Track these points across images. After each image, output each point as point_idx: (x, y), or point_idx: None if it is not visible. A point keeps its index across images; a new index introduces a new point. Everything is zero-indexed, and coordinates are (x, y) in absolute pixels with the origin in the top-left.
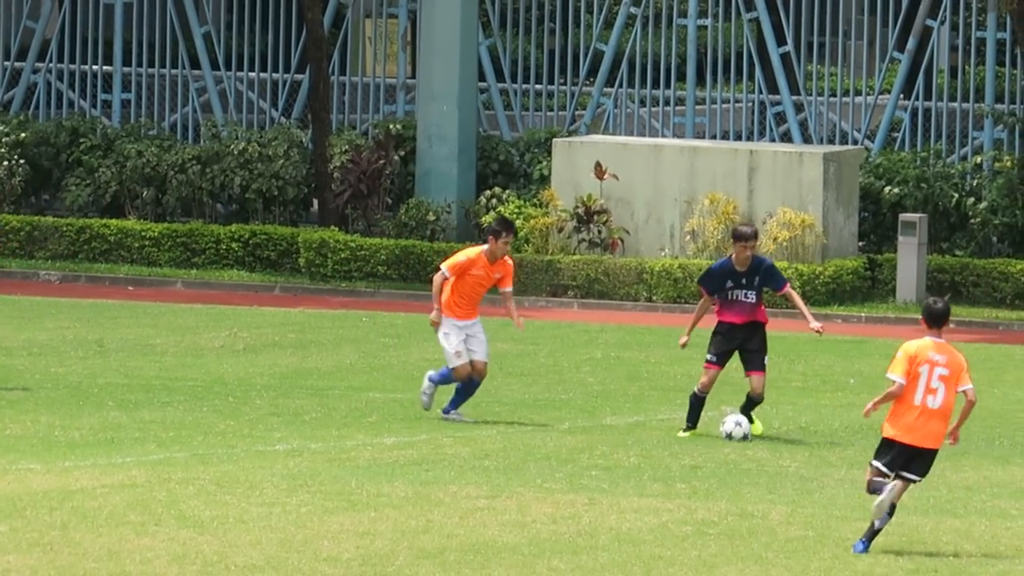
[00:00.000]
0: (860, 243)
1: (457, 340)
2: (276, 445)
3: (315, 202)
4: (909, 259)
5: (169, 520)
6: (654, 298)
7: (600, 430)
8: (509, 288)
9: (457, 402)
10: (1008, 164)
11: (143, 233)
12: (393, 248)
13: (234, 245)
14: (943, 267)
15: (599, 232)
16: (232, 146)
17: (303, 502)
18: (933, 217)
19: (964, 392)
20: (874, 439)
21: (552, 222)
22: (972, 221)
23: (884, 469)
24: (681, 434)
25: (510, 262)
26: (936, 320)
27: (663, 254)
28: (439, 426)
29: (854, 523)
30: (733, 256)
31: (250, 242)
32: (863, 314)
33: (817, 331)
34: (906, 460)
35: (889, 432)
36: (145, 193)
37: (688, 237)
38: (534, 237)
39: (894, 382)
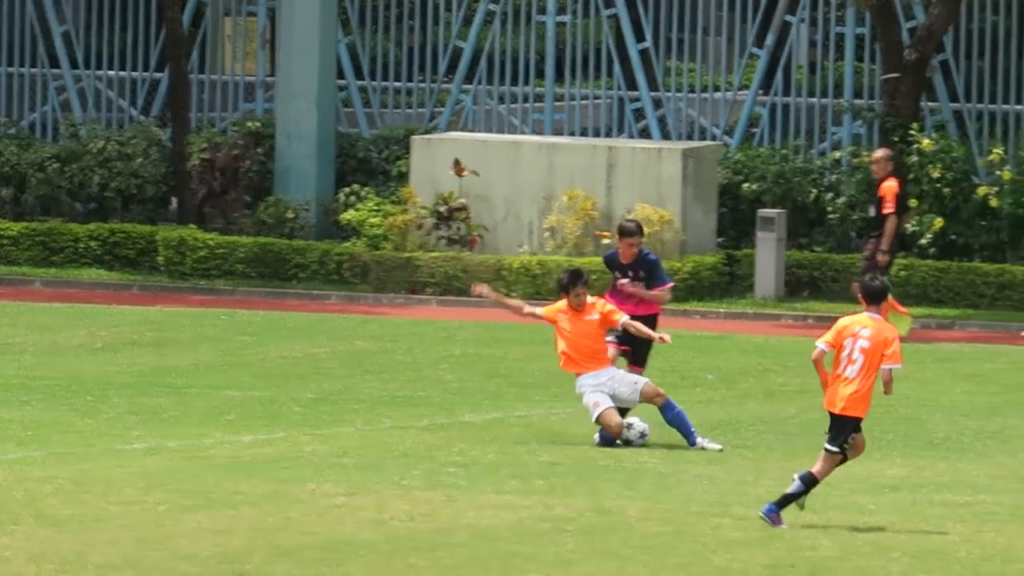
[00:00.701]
0: (719, 239)
1: (591, 393)
2: (134, 443)
3: (174, 200)
4: (768, 255)
5: (27, 519)
6: (512, 294)
7: (458, 427)
8: (622, 318)
9: (686, 432)
10: (866, 159)
11: (2, 232)
12: (252, 246)
13: (93, 244)
14: (801, 262)
15: (458, 229)
16: (91, 145)
17: (161, 500)
18: (792, 213)
19: (886, 369)
20: (732, 434)
21: (411, 219)
22: (830, 217)
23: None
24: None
25: (599, 300)
26: (873, 297)
27: (522, 251)
28: (296, 424)
29: (711, 519)
30: (620, 249)
31: (109, 240)
32: (722, 310)
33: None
34: (832, 429)
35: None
36: (4, 192)
37: (547, 234)
38: (393, 235)
39: (816, 347)
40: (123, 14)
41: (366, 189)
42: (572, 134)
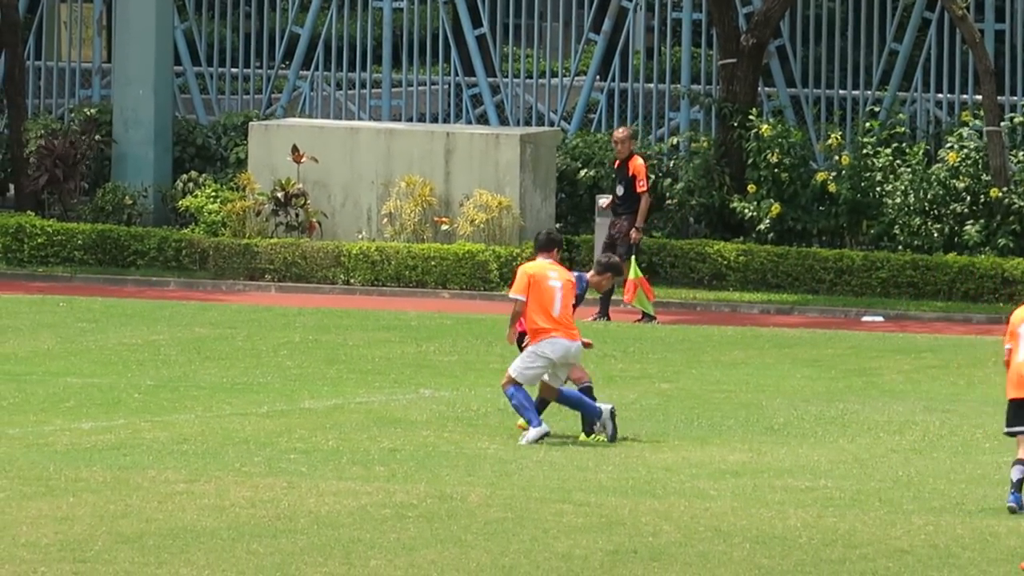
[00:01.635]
0: (558, 224)
1: None
2: None
3: (11, 187)
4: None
5: None
6: (352, 281)
7: (299, 413)
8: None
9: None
10: (704, 145)
11: None
12: (90, 233)
13: None
14: (641, 248)
15: (296, 216)
16: None
17: (0, 488)
18: None
19: None
20: (574, 421)
21: (249, 206)
22: (669, 202)
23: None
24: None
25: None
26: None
27: (360, 237)
28: (136, 411)
29: (553, 504)
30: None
31: None
32: None
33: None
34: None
35: None
36: None
37: (385, 220)
38: (231, 221)
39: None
40: None
41: (204, 176)
42: (410, 120)
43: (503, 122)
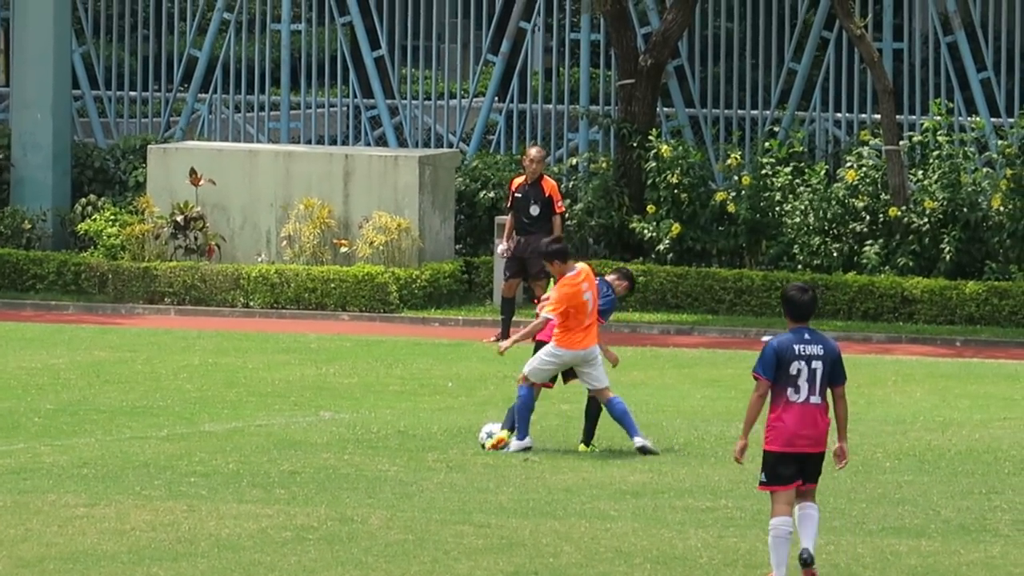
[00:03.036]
0: (457, 246)
1: None
2: None
3: None
4: (502, 262)
5: None
6: (251, 304)
7: (198, 436)
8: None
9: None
10: (603, 166)
11: None
12: None
13: None
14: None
15: (195, 239)
16: None
17: None
18: None
19: None
20: (473, 442)
21: (148, 229)
22: (569, 223)
23: None
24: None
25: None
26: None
27: (259, 260)
28: (36, 435)
29: (454, 526)
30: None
31: None
32: (461, 317)
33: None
34: None
35: None
36: None
37: (284, 242)
38: (130, 244)
39: None
40: None
41: (103, 199)
42: (309, 142)
43: (402, 144)
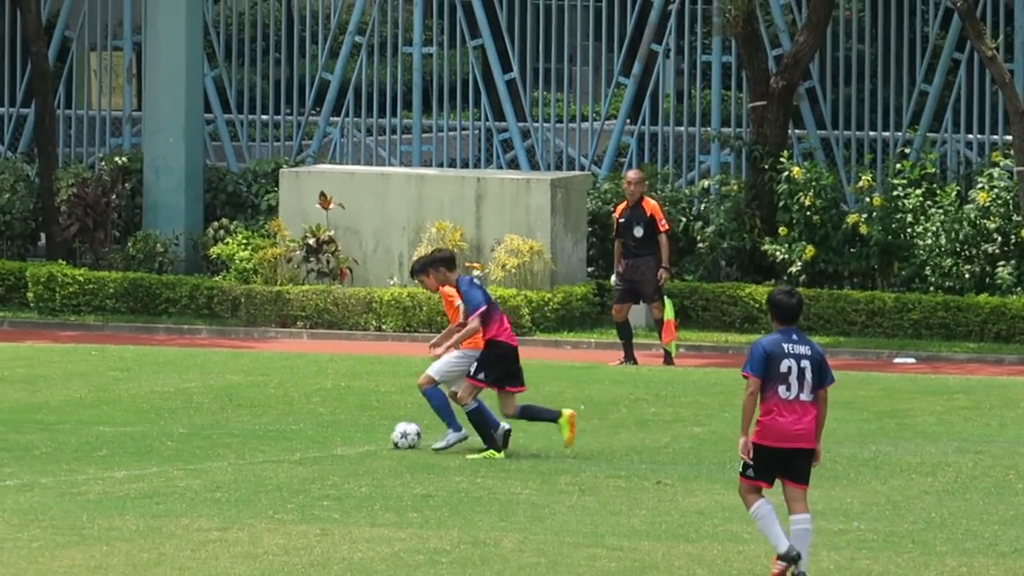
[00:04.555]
0: (589, 269)
1: None
2: (6, 480)
3: (43, 236)
4: None
5: None
6: (383, 327)
7: (331, 460)
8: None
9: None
10: (735, 188)
11: None
12: (121, 281)
13: None
14: (672, 292)
15: (327, 262)
16: None
17: (34, 537)
18: None
19: None
20: (606, 464)
21: (280, 253)
22: (700, 245)
23: None
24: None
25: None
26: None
27: (392, 283)
28: (169, 459)
29: (586, 549)
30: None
31: None
32: (593, 340)
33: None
34: None
35: None
36: None
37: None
38: (263, 268)
39: None
40: None
41: (235, 223)
42: (440, 165)
43: (534, 167)
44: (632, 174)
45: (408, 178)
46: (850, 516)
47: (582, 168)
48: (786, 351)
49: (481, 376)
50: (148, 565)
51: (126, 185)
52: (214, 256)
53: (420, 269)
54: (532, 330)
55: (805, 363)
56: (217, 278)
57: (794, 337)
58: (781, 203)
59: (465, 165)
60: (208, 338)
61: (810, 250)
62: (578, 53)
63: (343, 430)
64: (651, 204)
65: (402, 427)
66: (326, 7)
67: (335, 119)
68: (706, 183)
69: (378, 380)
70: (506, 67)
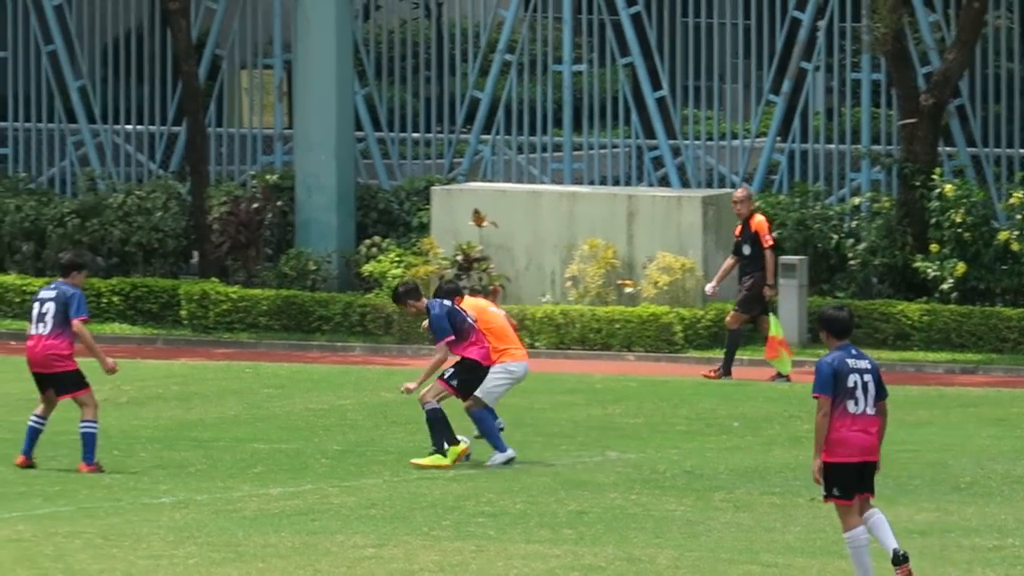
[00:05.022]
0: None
1: None
2: (162, 498)
3: (195, 254)
4: (790, 301)
5: (57, 574)
6: (536, 344)
7: (486, 476)
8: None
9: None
10: (886, 205)
11: (23, 288)
12: (274, 298)
13: (115, 299)
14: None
15: (480, 279)
16: (111, 199)
17: (190, 554)
18: (813, 259)
19: None
20: (760, 481)
21: (432, 270)
22: (852, 262)
23: None
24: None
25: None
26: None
27: (544, 300)
28: (324, 476)
29: (741, 566)
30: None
31: (131, 295)
32: (746, 357)
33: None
34: None
35: None
36: (25, 248)
37: (569, 283)
38: None
39: None
40: (139, 68)
41: (387, 240)
42: (591, 183)
43: (685, 184)
44: (737, 193)
45: (560, 196)
46: (1004, 532)
47: (733, 186)
48: (851, 367)
49: (454, 383)
50: None
51: (278, 203)
52: (366, 274)
53: (396, 302)
54: (685, 347)
55: (867, 377)
56: (370, 295)
57: (854, 352)
58: (932, 220)
59: (616, 183)
60: (362, 355)
61: (961, 267)
62: (728, 71)
63: None
64: (757, 221)
65: None
66: (475, 25)
67: (486, 137)
68: (857, 200)
69: (531, 397)
70: (656, 85)
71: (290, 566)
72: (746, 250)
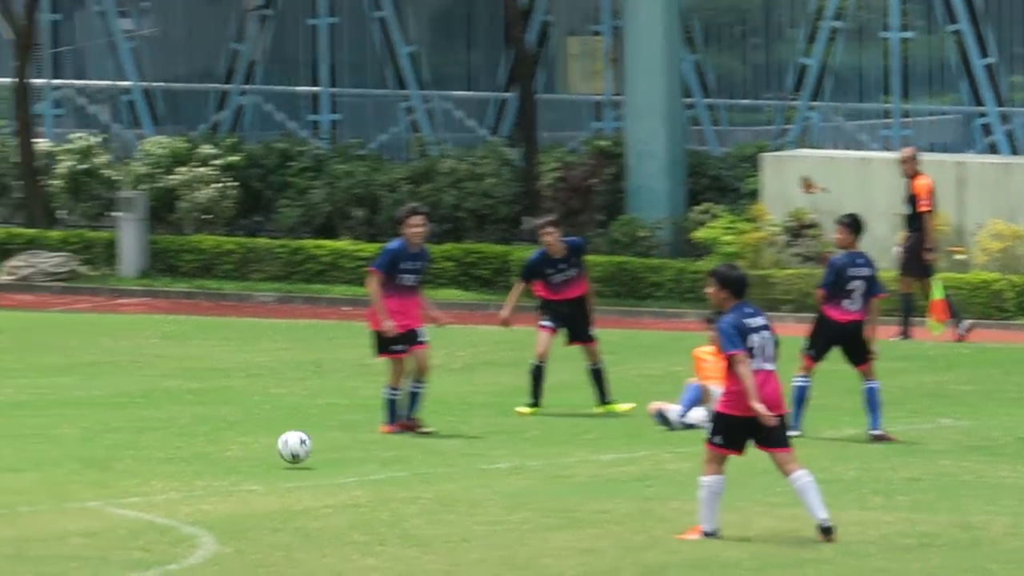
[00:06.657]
0: None
1: None
2: (497, 463)
3: (526, 220)
4: None
5: (393, 539)
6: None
7: (819, 444)
8: None
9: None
10: None
11: (356, 253)
12: (607, 265)
13: (447, 264)
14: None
15: (810, 246)
16: (442, 165)
17: (525, 520)
18: None
19: None
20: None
21: (763, 237)
22: None
23: None
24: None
25: None
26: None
27: None
28: (658, 443)
29: None
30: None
31: (464, 261)
32: None
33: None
34: None
35: None
36: (357, 213)
37: (900, 250)
38: (746, 252)
39: None
40: (468, 34)
41: (719, 207)
42: (920, 150)
43: (1014, 151)
44: (904, 152)
45: (889, 163)
46: None
47: None
48: (750, 326)
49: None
50: (639, 548)
51: (608, 169)
52: (697, 240)
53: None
54: (1016, 314)
55: (765, 333)
56: (701, 262)
57: (747, 310)
58: None
59: (945, 150)
60: (694, 323)
61: None
62: None
63: (830, 414)
64: (918, 183)
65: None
66: None
67: (814, 103)
68: None
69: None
70: (984, 52)
71: (625, 532)
72: (907, 210)
